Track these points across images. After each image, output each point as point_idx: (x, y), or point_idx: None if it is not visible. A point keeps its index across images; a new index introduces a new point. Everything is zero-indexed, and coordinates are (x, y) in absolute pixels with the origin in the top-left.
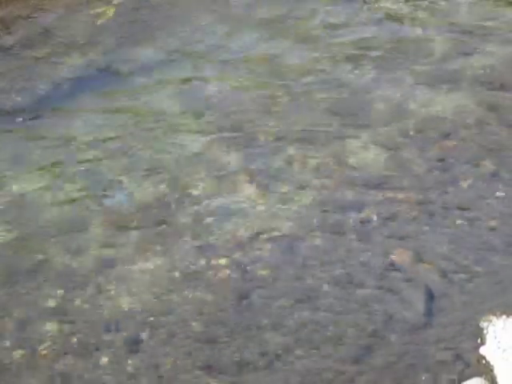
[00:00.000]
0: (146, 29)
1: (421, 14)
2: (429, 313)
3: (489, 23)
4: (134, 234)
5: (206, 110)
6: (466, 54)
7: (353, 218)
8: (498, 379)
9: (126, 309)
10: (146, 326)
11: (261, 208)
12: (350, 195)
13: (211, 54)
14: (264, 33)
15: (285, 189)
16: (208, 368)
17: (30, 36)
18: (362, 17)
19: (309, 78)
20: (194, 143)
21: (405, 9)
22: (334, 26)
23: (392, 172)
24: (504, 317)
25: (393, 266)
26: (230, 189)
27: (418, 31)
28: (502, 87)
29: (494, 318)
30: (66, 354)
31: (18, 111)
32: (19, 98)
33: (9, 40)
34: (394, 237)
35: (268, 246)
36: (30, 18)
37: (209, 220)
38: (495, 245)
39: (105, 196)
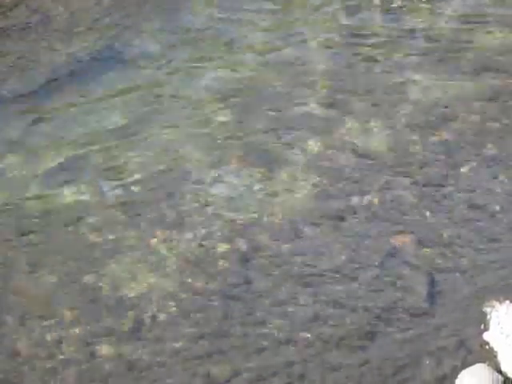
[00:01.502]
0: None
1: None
2: (431, 298)
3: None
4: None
5: (219, 94)
6: (467, 40)
7: (355, 202)
8: (502, 365)
9: (129, 294)
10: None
11: (262, 193)
12: (352, 179)
13: (218, 37)
14: None
15: (287, 173)
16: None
17: (30, 21)
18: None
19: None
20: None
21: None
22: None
23: (395, 156)
24: (507, 302)
25: (395, 251)
26: (231, 173)
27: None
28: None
29: (497, 304)
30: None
31: (17, 97)
32: (18, 85)
33: (8, 26)
34: (397, 221)
35: (270, 231)
36: (29, 3)
37: (210, 206)
38: (498, 229)
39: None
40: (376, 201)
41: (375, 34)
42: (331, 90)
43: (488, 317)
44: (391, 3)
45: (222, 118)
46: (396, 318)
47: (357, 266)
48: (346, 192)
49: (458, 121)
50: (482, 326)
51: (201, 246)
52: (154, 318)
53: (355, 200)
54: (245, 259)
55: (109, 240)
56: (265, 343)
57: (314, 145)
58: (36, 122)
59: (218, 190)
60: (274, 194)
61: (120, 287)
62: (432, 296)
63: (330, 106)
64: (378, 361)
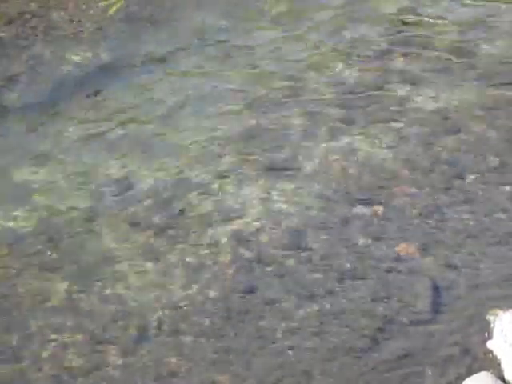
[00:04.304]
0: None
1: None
2: (435, 307)
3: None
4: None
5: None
6: (471, 49)
7: (359, 210)
8: (505, 373)
9: (133, 303)
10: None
11: (266, 202)
12: (356, 188)
13: (224, 45)
14: None
15: (291, 182)
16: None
17: (36, 30)
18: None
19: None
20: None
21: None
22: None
23: (398, 165)
24: (511, 311)
25: (399, 260)
26: (235, 183)
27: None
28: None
29: (500, 312)
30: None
31: (21, 107)
32: (24, 94)
33: (14, 34)
34: (400, 230)
35: (275, 240)
36: (35, 11)
37: (215, 215)
38: (502, 239)
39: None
40: (380, 210)
41: (379, 45)
42: (336, 101)
43: (492, 325)
44: (393, 13)
45: (228, 128)
46: (399, 327)
47: (361, 274)
48: (350, 201)
49: (461, 130)
50: (486, 335)
51: (204, 254)
52: (158, 326)
53: (359, 209)
54: (249, 268)
55: (114, 247)
56: (269, 351)
57: (318, 154)
58: (44, 128)
59: (223, 198)
60: (279, 203)
61: (125, 295)
62: (435, 304)
63: (335, 116)
64: (381, 369)
